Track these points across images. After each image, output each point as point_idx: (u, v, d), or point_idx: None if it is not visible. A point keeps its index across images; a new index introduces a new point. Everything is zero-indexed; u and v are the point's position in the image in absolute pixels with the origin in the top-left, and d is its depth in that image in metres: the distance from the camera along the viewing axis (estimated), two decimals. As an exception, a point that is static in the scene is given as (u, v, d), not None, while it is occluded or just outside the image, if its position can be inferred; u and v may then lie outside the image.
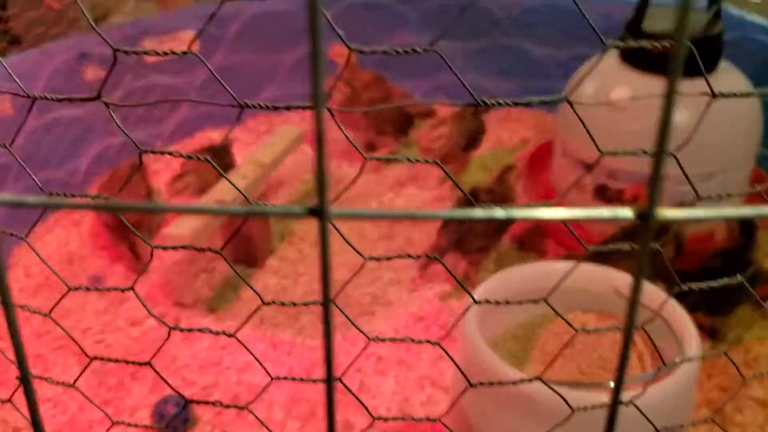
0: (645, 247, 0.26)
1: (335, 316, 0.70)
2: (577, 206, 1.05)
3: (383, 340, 0.51)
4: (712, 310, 1.05)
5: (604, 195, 1.17)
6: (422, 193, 1.48)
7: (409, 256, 0.50)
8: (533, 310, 0.82)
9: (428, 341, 0.45)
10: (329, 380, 0.28)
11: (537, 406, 0.65)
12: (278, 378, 0.55)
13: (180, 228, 1.09)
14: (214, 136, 1.65)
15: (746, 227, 1.02)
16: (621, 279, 0.78)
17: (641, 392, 0.57)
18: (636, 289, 0.27)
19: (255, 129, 1.68)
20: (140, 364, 0.44)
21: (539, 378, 0.52)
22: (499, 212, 0.26)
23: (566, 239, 1.20)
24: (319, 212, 0.25)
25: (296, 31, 1.65)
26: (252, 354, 0.53)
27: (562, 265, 0.81)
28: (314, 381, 0.51)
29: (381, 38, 1.66)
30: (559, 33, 1.59)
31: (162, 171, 1.50)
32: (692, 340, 0.70)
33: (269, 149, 1.30)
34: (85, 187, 1.41)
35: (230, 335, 0.47)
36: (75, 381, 0.52)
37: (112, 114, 0.43)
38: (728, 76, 1.16)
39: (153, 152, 0.46)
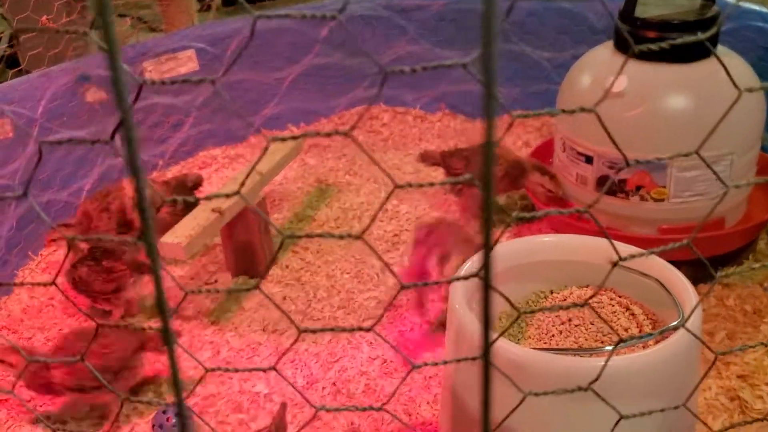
0: None
1: (337, 320, 0.66)
2: (580, 200, 1.02)
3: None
4: None
5: (607, 186, 1.15)
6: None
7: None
8: (526, 287, 0.80)
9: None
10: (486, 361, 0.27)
11: (530, 376, 0.63)
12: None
13: (175, 237, 1.08)
14: (216, 153, 1.65)
15: None
16: (618, 250, 0.74)
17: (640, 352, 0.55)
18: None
19: (258, 145, 1.68)
20: None
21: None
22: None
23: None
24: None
25: (294, 47, 1.66)
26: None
27: (550, 239, 0.78)
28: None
29: (380, 49, 1.66)
30: (558, 34, 1.58)
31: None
32: (693, 309, 0.67)
33: (266, 158, 1.29)
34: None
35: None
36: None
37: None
38: (727, 61, 1.14)
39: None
